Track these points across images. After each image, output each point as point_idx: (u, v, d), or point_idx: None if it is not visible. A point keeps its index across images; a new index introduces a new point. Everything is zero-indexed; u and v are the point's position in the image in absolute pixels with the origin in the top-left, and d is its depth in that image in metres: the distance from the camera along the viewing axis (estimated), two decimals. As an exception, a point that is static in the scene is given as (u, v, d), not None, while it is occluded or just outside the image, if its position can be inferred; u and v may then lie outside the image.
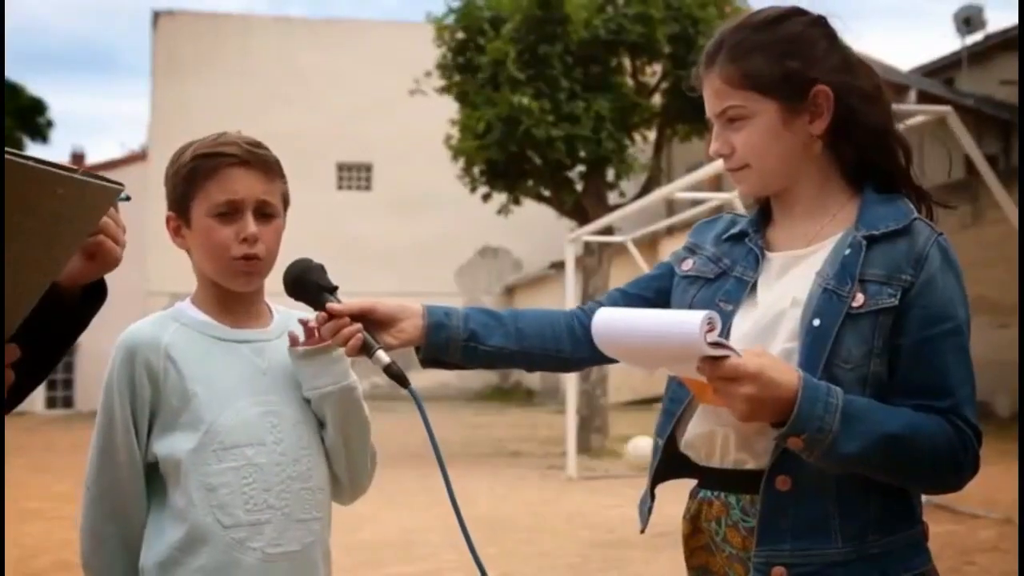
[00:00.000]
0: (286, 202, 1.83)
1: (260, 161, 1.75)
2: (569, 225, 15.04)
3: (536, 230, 23.74)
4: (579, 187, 14.63)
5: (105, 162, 27.28)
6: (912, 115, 7.34)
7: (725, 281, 1.64)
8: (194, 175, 1.74)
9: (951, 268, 1.53)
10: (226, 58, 26.53)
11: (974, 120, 16.26)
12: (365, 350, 1.63)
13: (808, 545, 1.48)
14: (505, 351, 1.71)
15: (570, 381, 11.62)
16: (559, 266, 18.13)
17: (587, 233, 11.80)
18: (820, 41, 1.60)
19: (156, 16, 26.81)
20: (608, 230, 12.47)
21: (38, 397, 25.25)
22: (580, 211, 14.34)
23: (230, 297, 1.79)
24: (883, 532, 1.50)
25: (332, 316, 1.64)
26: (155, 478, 1.76)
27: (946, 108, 7.10)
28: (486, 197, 15.31)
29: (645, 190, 14.22)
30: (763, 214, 1.71)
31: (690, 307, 1.64)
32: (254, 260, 1.74)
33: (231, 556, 1.69)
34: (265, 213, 1.76)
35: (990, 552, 6.60)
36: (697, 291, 1.67)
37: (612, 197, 15.09)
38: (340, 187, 27.27)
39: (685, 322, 1.38)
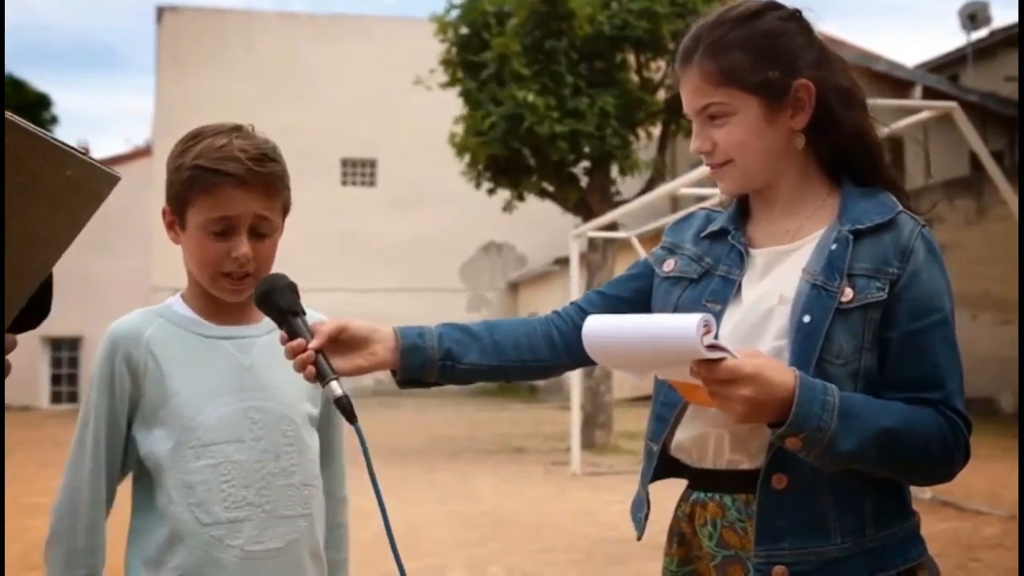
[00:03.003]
0: (286, 210, 1.79)
1: (261, 180, 1.70)
2: (573, 221, 15.02)
3: (540, 226, 23.71)
4: (583, 183, 14.62)
5: (110, 157, 27.28)
6: (917, 111, 7.32)
7: (710, 281, 1.63)
8: (191, 184, 1.69)
9: (935, 260, 1.53)
10: (230, 54, 26.52)
11: (979, 116, 16.23)
12: (320, 377, 1.55)
13: (807, 543, 1.48)
14: (483, 366, 1.69)
15: (574, 377, 11.55)
16: (563, 262, 18.09)
17: (591, 229, 11.78)
18: (798, 36, 1.60)
19: (160, 12, 26.81)
20: (612, 226, 12.46)
21: (43, 392, 25.29)
22: (584, 207, 14.32)
23: (218, 297, 1.77)
24: (880, 526, 1.50)
25: (291, 337, 1.58)
26: (143, 476, 1.75)
27: (951, 104, 7.07)
28: (490, 193, 15.29)
29: (649, 186, 14.20)
30: (741, 210, 1.70)
31: (675, 309, 1.62)
32: (244, 277, 1.72)
33: (210, 554, 1.68)
34: (260, 232, 1.72)
35: (994, 548, 6.58)
36: (682, 292, 1.65)
37: (617, 193, 15.08)
38: (344, 183, 27.24)
39: (681, 326, 1.36)
